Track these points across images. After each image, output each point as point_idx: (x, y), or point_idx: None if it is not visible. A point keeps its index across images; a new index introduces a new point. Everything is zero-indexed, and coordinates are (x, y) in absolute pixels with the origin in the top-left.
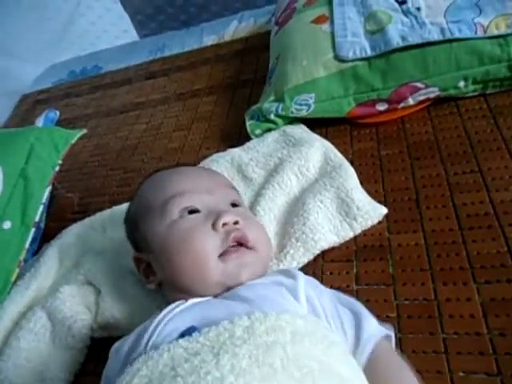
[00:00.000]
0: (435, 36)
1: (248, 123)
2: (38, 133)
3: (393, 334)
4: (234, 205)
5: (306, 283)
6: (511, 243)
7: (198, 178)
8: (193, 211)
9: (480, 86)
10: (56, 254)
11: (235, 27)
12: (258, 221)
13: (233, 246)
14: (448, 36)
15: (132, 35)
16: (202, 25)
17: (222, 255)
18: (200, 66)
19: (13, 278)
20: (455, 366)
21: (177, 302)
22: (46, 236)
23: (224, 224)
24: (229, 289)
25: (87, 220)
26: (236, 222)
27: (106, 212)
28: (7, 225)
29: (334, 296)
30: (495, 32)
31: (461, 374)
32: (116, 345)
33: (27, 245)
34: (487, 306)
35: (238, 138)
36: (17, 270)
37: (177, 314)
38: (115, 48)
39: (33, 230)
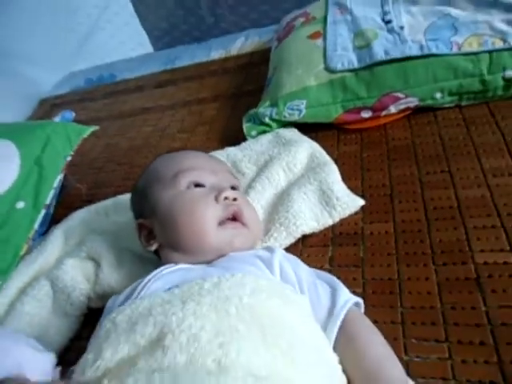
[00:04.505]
0: (415, 51)
1: (245, 125)
2: (54, 126)
3: (362, 302)
4: (233, 188)
5: (282, 256)
6: (469, 232)
7: (206, 160)
8: (199, 185)
9: (456, 98)
10: (62, 234)
11: (241, 43)
12: (251, 204)
13: (230, 219)
14: (426, 52)
15: (147, 48)
16: (212, 40)
17: (220, 224)
18: (207, 77)
19: (21, 253)
20: (409, 333)
21: (166, 265)
22: (54, 221)
23: (225, 198)
24: (219, 257)
25: (92, 206)
26: (235, 199)
27: (110, 200)
28: (20, 205)
29: (313, 272)
30: (468, 49)
31: (413, 340)
32: (113, 297)
33: (37, 224)
34: (443, 285)
35: (237, 140)
36: (25, 246)
37: (165, 275)
38: (130, 59)
39: (43, 211)
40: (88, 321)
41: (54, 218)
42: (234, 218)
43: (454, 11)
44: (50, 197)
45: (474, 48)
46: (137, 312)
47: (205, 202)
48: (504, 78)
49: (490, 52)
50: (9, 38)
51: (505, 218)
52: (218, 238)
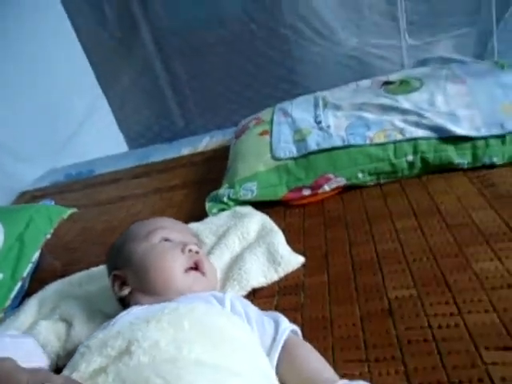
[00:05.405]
0: (339, 143)
1: (207, 204)
2: (38, 207)
3: (299, 329)
4: (195, 244)
5: (234, 296)
6: (385, 275)
7: (174, 223)
8: (168, 240)
9: (374, 177)
10: (35, 304)
11: (207, 141)
12: (210, 260)
13: (192, 268)
14: (347, 143)
15: (123, 149)
16: (181, 140)
17: (185, 271)
18: (177, 169)
19: None
20: (338, 357)
21: (135, 306)
22: (28, 295)
23: (189, 250)
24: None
25: (66, 279)
26: (197, 252)
27: (83, 272)
28: None
29: (259, 311)
30: (378, 141)
31: (341, 362)
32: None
33: (13, 295)
34: (364, 317)
35: (201, 218)
36: (0, 316)
37: (133, 312)
38: (107, 157)
39: (19, 283)
40: None
41: (28, 293)
42: (196, 268)
43: (366, 114)
44: (27, 270)
45: (382, 140)
46: (109, 335)
47: (172, 252)
48: (407, 161)
49: (393, 143)
50: None
51: (411, 263)
52: (183, 282)
